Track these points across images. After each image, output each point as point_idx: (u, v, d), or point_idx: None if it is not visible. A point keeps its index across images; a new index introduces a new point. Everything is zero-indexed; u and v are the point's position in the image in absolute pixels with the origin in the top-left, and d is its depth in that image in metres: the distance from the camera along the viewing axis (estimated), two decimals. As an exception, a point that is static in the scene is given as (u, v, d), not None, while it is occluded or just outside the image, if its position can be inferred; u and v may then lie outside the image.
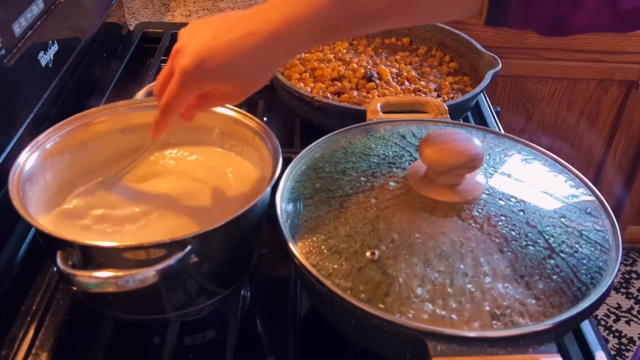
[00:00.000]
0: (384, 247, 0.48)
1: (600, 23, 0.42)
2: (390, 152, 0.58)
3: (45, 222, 0.55)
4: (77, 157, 0.62)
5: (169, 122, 0.53)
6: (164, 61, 1.04)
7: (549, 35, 0.44)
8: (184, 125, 0.56)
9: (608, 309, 1.86)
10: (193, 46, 0.48)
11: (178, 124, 0.55)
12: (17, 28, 0.66)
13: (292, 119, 0.87)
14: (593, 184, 0.57)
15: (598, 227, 0.52)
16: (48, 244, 0.50)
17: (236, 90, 0.52)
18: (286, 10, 0.46)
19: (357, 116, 0.70)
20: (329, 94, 0.82)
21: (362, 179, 0.55)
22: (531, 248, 0.48)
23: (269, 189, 0.53)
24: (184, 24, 1.26)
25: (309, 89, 0.83)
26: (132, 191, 0.60)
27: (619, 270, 0.48)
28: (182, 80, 0.49)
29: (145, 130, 0.64)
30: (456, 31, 0.94)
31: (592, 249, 0.49)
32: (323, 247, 0.49)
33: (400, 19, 0.47)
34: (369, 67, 0.88)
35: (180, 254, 0.46)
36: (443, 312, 0.43)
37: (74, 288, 0.53)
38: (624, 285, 1.94)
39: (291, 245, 0.49)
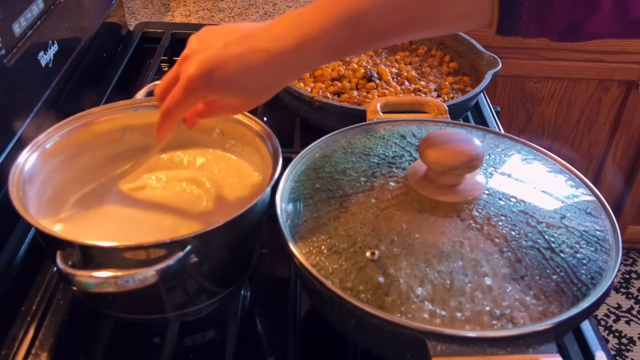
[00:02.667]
0: (384, 247, 0.48)
1: (611, 30, 0.42)
2: (390, 152, 0.58)
3: (45, 222, 0.55)
4: (77, 157, 0.62)
5: (171, 126, 0.52)
6: (164, 61, 1.04)
7: (562, 42, 0.44)
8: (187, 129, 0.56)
9: (608, 309, 1.86)
10: (202, 55, 0.48)
11: (181, 129, 0.55)
12: (17, 28, 0.66)
13: (292, 119, 0.87)
14: (593, 184, 0.57)
15: (598, 227, 0.52)
16: (48, 244, 0.50)
17: (240, 103, 0.51)
18: (297, 30, 0.45)
19: (357, 116, 0.70)
20: (329, 94, 0.83)
21: (362, 179, 0.55)
22: (531, 248, 0.48)
23: (269, 189, 0.53)
24: (184, 24, 1.26)
25: (309, 89, 0.83)
26: (131, 191, 0.60)
27: (619, 270, 0.48)
28: (187, 88, 0.48)
29: (145, 130, 0.64)
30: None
31: (592, 249, 0.49)
32: (323, 247, 0.49)
33: (413, 33, 0.47)
34: (369, 67, 0.88)
35: (180, 254, 0.46)
36: (443, 312, 0.43)
37: (74, 288, 0.53)
38: (624, 285, 1.94)
39: (291, 245, 0.49)
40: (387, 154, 0.58)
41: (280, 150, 0.57)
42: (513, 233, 0.49)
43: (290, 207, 0.53)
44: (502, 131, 0.80)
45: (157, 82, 0.72)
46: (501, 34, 0.44)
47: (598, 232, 0.51)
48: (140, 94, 0.68)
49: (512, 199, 0.52)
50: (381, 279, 0.46)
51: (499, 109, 0.94)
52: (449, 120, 0.67)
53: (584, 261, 0.48)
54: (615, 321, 1.83)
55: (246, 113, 0.63)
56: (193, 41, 0.51)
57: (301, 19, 0.45)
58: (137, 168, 0.61)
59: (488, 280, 0.45)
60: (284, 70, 0.47)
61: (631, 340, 1.77)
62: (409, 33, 0.46)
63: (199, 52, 0.48)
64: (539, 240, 0.48)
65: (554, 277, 0.46)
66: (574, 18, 0.42)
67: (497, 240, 0.48)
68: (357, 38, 0.45)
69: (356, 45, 0.46)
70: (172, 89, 0.51)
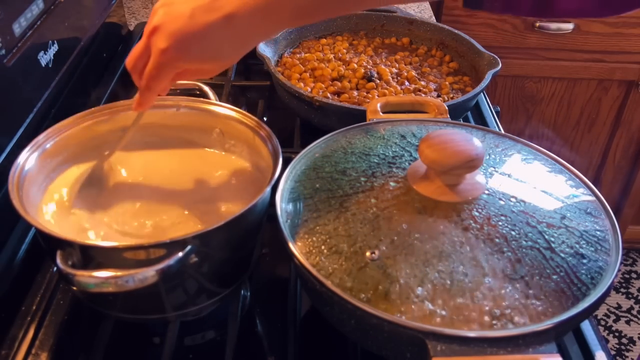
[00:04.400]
0: (384, 247, 0.48)
1: (584, 7, 0.42)
2: (390, 152, 0.58)
3: (45, 221, 0.55)
4: (77, 157, 0.62)
5: (152, 100, 0.54)
6: (164, 61, 1.04)
7: (530, 17, 0.45)
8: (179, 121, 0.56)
9: (608, 309, 1.86)
10: (171, 26, 0.48)
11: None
12: (17, 28, 0.66)
13: (292, 119, 0.87)
14: (593, 184, 0.57)
15: (598, 227, 0.52)
16: (48, 244, 0.50)
17: (213, 68, 0.53)
18: None
19: (357, 116, 0.70)
20: (329, 94, 0.82)
21: (362, 179, 0.55)
22: (531, 248, 0.48)
23: (269, 189, 0.53)
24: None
25: (309, 89, 0.83)
26: (131, 191, 0.60)
27: (619, 270, 0.48)
28: (162, 63, 0.49)
29: (145, 130, 0.64)
30: (456, 31, 0.94)
31: (592, 249, 0.49)
32: (323, 247, 0.49)
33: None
34: (369, 67, 0.88)
35: (180, 254, 0.46)
36: (443, 312, 0.43)
37: (74, 288, 0.53)
38: (624, 285, 1.94)
39: (291, 245, 0.49)
40: (387, 154, 0.58)
41: (280, 150, 0.57)
42: (513, 233, 0.49)
43: (290, 207, 0.53)
44: (502, 131, 0.80)
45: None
46: (467, 6, 0.45)
47: (598, 232, 0.51)
48: (140, 94, 0.68)
49: (512, 199, 0.52)
50: (381, 279, 0.46)
51: (499, 109, 0.94)
52: (449, 120, 0.67)
53: (584, 261, 0.48)
54: (615, 321, 1.83)
55: (246, 113, 0.63)
56: (159, 11, 0.50)
57: None
58: (120, 147, 0.62)
59: (488, 280, 0.45)
60: (254, 33, 0.49)
61: (631, 340, 1.77)
62: None
63: (167, 23, 0.48)
64: (539, 240, 0.48)
65: (554, 277, 0.46)
66: None
67: (497, 240, 0.48)
68: (325, 1, 0.47)
69: (324, 8, 0.47)
70: (142, 60, 0.52)
